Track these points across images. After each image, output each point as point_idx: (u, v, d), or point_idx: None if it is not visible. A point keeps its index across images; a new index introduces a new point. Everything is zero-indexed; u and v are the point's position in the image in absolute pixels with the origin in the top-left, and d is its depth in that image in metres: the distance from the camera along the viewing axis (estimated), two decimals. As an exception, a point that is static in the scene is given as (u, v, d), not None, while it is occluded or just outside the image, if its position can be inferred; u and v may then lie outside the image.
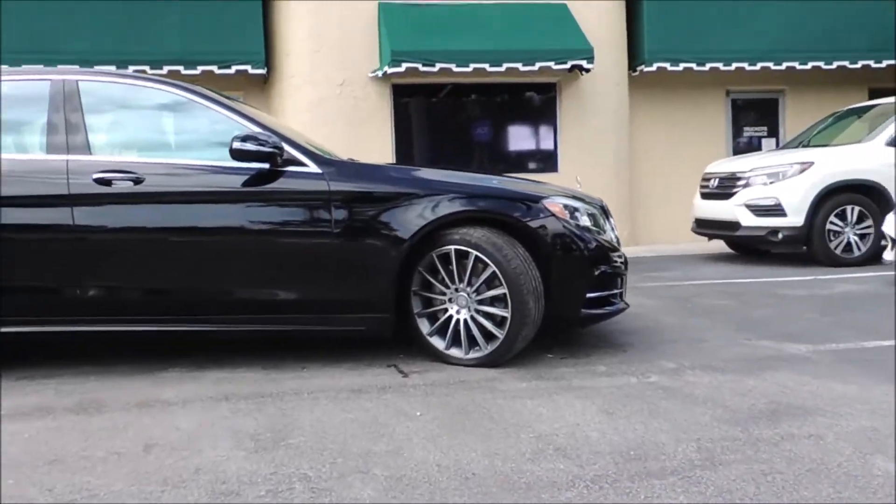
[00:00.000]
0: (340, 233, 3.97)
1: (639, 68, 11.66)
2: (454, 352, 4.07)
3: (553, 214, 4.04)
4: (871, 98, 11.64)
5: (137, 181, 3.98)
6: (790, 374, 3.73)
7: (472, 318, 4.02)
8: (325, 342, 4.51)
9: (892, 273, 7.21)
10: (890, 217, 6.87)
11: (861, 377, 3.65)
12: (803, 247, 8.32)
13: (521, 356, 4.07)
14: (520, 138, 11.83)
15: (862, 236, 8.13)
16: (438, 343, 4.10)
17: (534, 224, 4.01)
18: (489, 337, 4.00)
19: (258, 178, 4.03)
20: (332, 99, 10.77)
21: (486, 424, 3.10)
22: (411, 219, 3.97)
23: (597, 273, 4.11)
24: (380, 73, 10.62)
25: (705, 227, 9.11)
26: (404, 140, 11.19)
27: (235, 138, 3.93)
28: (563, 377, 3.79)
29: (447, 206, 4.00)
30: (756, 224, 8.27)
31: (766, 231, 8.22)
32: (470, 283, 4.00)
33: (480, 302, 4.00)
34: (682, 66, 11.48)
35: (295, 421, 3.18)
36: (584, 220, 4.16)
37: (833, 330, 4.80)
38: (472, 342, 4.03)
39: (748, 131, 12.69)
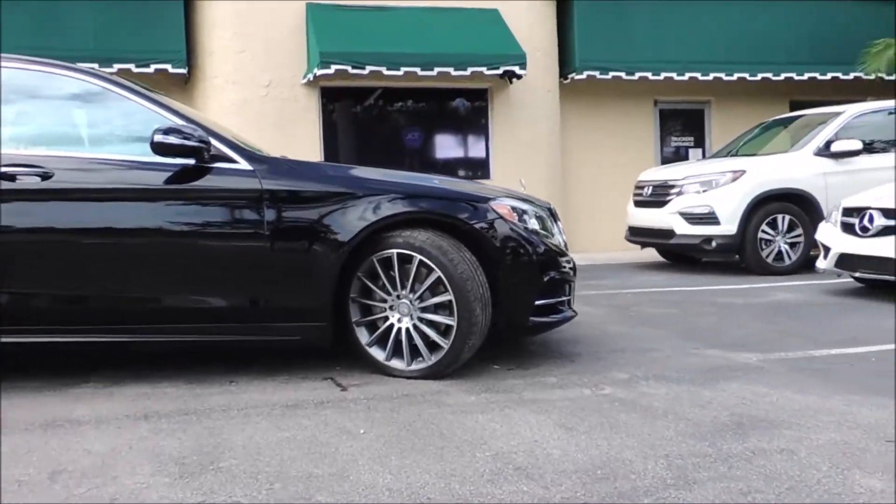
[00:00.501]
0: (274, 235, 3.67)
1: (569, 76, 11.62)
2: (395, 363, 3.80)
3: (501, 217, 3.82)
4: (792, 110, 11.90)
5: (45, 176, 3.59)
6: (746, 385, 3.59)
7: (415, 326, 3.75)
8: (255, 354, 4.18)
9: (825, 281, 7.26)
10: (823, 226, 6.92)
11: (817, 387, 3.54)
12: (736, 255, 8.34)
13: (467, 367, 3.83)
14: (451, 145, 11.65)
15: (792, 245, 8.20)
16: (378, 354, 3.82)
17: (481, 227, 3.78)
18: (433, 347, 3.74)
19: (182, 174, 3.69)
20: (257, 101, 10.37)
21: (438, 442, 2.84)
22: (351, 220, 3.69)
23: (546, 279, 3.91)
24: (309, 77, 10.28)
25: (639, 234, 9.08)
26: (332, 145, 10.86)
27: (157, 131, 3.58)
28: (513, 389, 3.57)
29: (389, 207, 3.73)
30: (690, 232, 8.26)
31: (700, 239, 8.21)
32: (413, 290, 3.75)
33: (424, 309, 3.74)
34: (611, 74, 11.49)
35: (225, 441, 2.86)
36: (533, 224, 3.96)
37: (779, 339, 4.72)
38: (415, 353, 3.77)
39: (675, 141, 12.80)
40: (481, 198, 3.88)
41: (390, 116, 11.35)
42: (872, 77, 11.75)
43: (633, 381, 3.69)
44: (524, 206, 3.97)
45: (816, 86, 12.36)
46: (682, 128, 12.85)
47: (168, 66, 10.07)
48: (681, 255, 9.40)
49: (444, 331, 3.73)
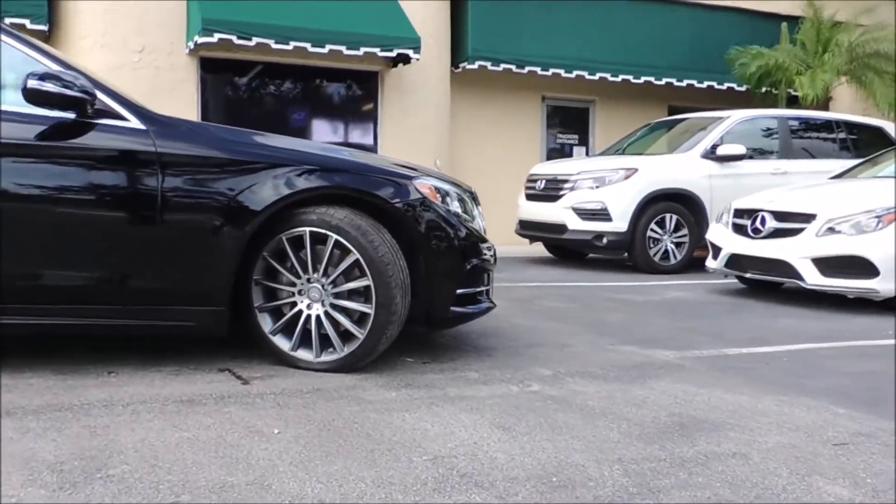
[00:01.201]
0: (170, 206, 3.21)
1: (461, 65, 11.43)
2: (303, 354, 3.42)
3: (424, 197, 3.51)
4: (670, 114, 12.21)
5: None
6: (674, 384, 3.45)
7: (327, 314, 3.39)
8: (134, 341, 3.69)
9: (710, 281, 7.38)
10: (714, 226, 7.01)
11: (743, 387, 3.44)
12: (625, 253, 8.37)
13: (379, 360, 3.50)
14: (338, 129, 11.19)
15: (678, 245, 8.31)
16: (283, 343, 3.44)
17: (403, 207, 3.46)
18: (346, 337, 3.40)
19: (60, 129, 3.18)
20: (128, 67, 9.57)
21: (366, 444, 2.51)
22: (258, 193, 3.29)
23: (468, 267, 3.63)
24: (189, 45, 9.57)
25: (530, 229, 8.99)
26: (212, 120, 10.18)
27: (31, 76, 3.05)
28: (435, 385, 3.27)
29: (303, 181, 3.35)
30: (582, 228, 8.22)
31: (591, 235, 8.19)
32: (326, 273, 3.38)
33: (337, 295, 3.39)
34: (502, 66, 11.39)
35: (112, 443, 2.42)
36: (455, 206, 3.67)
37: (687, 336, 4.65)
38: (325, 343, 3.41)
39: (561, 138, 12.88)
40: (403, 175, 3.56)
41: (275, 95, 10.79)
42: (744, 88, 12.22)
43: (558, 378, 3.47)
44: (447, 187, 3.68)
45: (694, 93, 12.73)
46: (568, 125, 12.94)
47: (26, 22, 9.11)
48: (567, 251, 9.38)
49: (358, 319, 3.39)
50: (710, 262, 6.84)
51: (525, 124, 12.35)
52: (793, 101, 12.26)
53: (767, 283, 6.62)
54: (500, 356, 3.88)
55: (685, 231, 8.29)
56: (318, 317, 3.40)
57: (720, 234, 6.78)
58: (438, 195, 3.59)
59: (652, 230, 8.18)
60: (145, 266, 3.23)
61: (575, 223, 8.24)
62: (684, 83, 12.43)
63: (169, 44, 9.73)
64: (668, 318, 5.29)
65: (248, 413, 2.78)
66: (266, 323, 3.44)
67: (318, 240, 3.36)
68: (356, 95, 11.05)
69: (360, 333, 3.35)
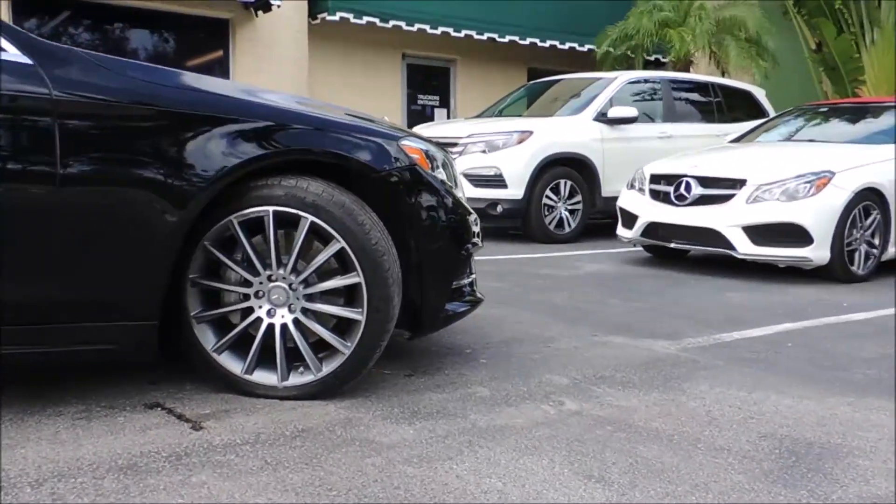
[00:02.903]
0: (72, 179, 2.19)
1: (320, 16, 10.38)
2: (261, 377, 2.54)
3: (413, 163, 2.69)
4: (529, 77, 11.85)
5: None
6: (715, 387, 2.89)
7: (297, 322, 2.51)
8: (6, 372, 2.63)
9: (615, 250, 6.99)
10: (626, 193, 6.57)
11: (790, 386, 2.93)
12: (520, 221, 7.81)
13: (358, 377, 2.67)
14: (179, 83, 9.82)
15: (572, 212, 7.87)
16: (232, 364, 2.53)
17: (390, 176, 2.62)
18: (321, 351, 2.54)
19: None
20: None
21: (440, 529, 1.71)
22: (208, 157, 2.34)
23: (463, 252, 2.86)
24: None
25: (414, 197, 8.22)
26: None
27: None
28: (449, 411, 2.50)
29: (266, 141, 2.44)
30: (476, 195, 7.54)
31: (485, 203, 7.53)
32: (295, 269, 2.49)
33: (310, 297, 2.52)
34: (365, 19, 10.46)
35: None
36: (441, 174, 2.87)
37: (659, 319, 4.13)
38: (292, 361, 2.54)
39: (422, 99, 12.16)
40: (387, 135, 2.71)
41: (113, 41, 9.25)
42: (609, 51, 12.04)
43: (581, 388, 2.80)
44: (433, 151, 2.87)
45: (556, 55, 12.42)
46: (429, 86, 12.23)
47: None
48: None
49: (340, 328, 2.55)
50: (624, 232, 6.41)
51: (385, 84, 11.52)
52: (649, 66, 12.23)
53: (674, 251, 6.28)
54: (488, 360, 3.16)
55: (579, 198, 7.86)
56: (283, 326, 2.51)
57: (634, 201, 6.35)
58: (428, 161, 2.77)
59: (547, 197, 7.67)
60: (45, 267, 2.19)
61: (467, 190, 7.56)
62: (547, 44, 12.06)
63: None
64: (615, 297, 4.75)
65: (231, 483, 1.89)
66: (207, 337, 2.52)
67: (286, 222, 2.47)
68: (203, 46, 9.74)
69: (346, 347, 2.51)
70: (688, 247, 5.98)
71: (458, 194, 2.96)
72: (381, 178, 2.58)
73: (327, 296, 2.55)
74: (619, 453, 2.19)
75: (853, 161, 5.69)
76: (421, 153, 2.73)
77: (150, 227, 2.27)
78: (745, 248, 5.52)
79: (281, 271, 2.49)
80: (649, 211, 6.13)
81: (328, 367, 2.52)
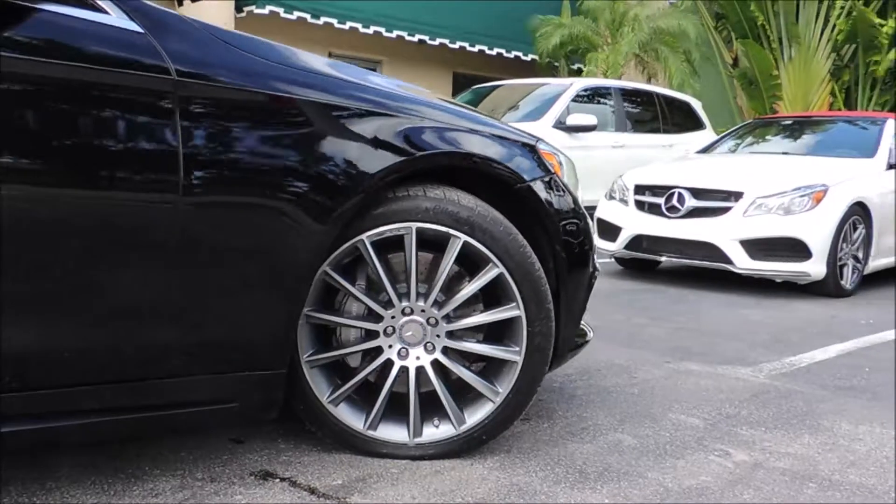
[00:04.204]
0: (198, 185, 1.65)
1: (246, 9, 9.69)
2: (387, 433, 2.06)
3: (553, 173, 2.27)
4: (455, 82, 11.61)
5: None
6: (854, 423, 2.61)
7: (435, 364, 2.05)
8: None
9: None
10: (607, 204, 6.32)
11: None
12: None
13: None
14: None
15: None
16: (351, 418, 2.04)
17: (538, 188, 2.19)
18: (460, 399, 2.09)
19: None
20: None
21: None
22: (359, 158, 1.85)
23: (594, 271, 2.47)
24: None
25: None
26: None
27: None
28: (625, 470, 2.10)
29: (420, 140, 1.96)
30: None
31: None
32: (437, 302, 2.03)
33: (452, 335, 2.06)
34: (296, 14, 9.84)
35: None
36: (567, 179, 2.45)
37: (707, 342, 3.86)
38: (427, 412, 2.07)
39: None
40: (527, 137, 2.28)
41: None
42: (530, 58, 11.90)
43: (725, 431, 2.47)
44: (562, 155, 2.45)
45: (483, 60, 12.18)
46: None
47: None
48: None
49: (489, 370, 2.11)
50: (606, 244, 6.16)
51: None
52: (577, 74, 12.18)
53: (644, 263, 6.11)
54: (587, 395, 2.77)
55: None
56: (418, 370, 2.04)
57: (617, 212, 6.11)
58: (560, 168, 2.36)
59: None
60: (156, 305, 1.64)
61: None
62: (476, 48, 11.79)
63: None
64: (638, 316, 4.47)
65: None
66: (320, 386, 2.00)
67: (432, 243, 2.00)
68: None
69: (496, 395, 2.06)
70: (681, 260, 5.78)
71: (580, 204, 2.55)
72: (527, 188, 2.15)
73: (465, 332, 2.10)
74: (862, 519, 1.86)
75: (842, 175, 5.66)
76: (555, 160, 2.32)
77: (287, 247, 1.76)
78: (743, 262, 5.37)
79: (421, 303, 2.01)
80: (635, 222, 5.91)
81: (472, 419, 2.07)
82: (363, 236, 1.94)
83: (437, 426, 2.07)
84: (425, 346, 2.05)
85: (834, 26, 11.36)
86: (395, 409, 2.06)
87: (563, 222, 2.25)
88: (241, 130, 1.70)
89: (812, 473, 2.13)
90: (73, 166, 1.53)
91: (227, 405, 1.76)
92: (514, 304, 2.03)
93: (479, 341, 2.13)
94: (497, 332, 2.11)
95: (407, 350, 2.04)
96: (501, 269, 2.00)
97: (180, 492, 1.79)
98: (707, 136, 9.42)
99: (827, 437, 2.45)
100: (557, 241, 2.22)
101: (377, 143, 1.88)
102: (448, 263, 1.99)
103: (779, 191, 5.44)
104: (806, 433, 2.48)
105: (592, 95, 8.54)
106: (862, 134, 6.45)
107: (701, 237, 5.50)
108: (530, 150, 2.23)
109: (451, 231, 1.97)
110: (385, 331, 2.02)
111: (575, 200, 2.33)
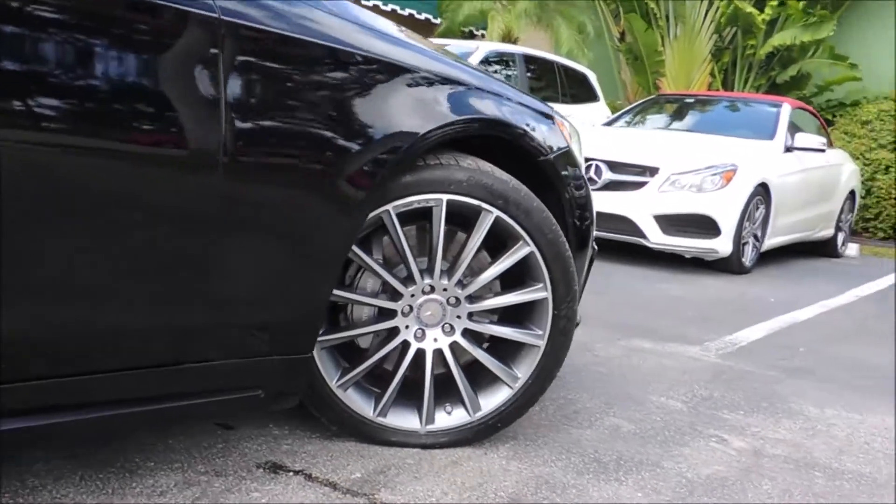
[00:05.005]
0: (240, 147, 1.41)
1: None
2: (397, 420, 1.91)
3: (569, 146, 2.15)
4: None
5: None
6: (820, 406, 2.68)
7: (454, 347, 1.90)
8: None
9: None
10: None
11: (861, 402, 2.81)
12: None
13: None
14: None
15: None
16: (361, 404, 1.87)
17: (557, 162, 2.06)
18: (478, 385, 1.96)
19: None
20: None
21: None
22: (401, 117, 1.66)
23: (594, 251, 2.38)
24: None
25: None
26: None
27: None
28: (638, 459, 2.04)
29: (459, 103, 1.78)
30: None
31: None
32: (461, 280, 1.88)
33: (473, 317, 1.92)
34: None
35: None
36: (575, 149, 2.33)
37: (643, 317, 3.90)
38: (441, 398, 1.93)
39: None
40: (546, 111, 2.14)
41: None
42: (428, 18, 11.70)
43: (709, 415, 2.47)
44: (569, 125, 2.33)
45: (394, 20, 11.83)
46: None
47: None
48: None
49: (509, 353, 1.98)
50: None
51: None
52: (465, 38, 12.07)
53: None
54: (562, 376, 2.69)
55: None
56: (435, 353, 1.89)
57: (531, 181, 6.08)
58: (570, 138, 2.24)
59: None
60: (191, 279, 1.40)
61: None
62: (389, 7, 11.44)
63: None
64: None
65: None
66: (329, 369, 1.82)
67: (463, 216, 1.84)
68: None
69: (514, 381, 1.94)
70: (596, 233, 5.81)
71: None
72: (550, 162, 2.02)
73: (484, 313, 1.97)
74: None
75: (748, 155, 5.85)
76: (565, 130, 2.19)
77: (328, 212, 1.56)
78: (656, 237, 5.48)
79: (444, 281, 1.85)
80: (550, 193, 5.89)
81: (488, 405, 1.94)
82: (389, 207, 1.75)
83: (449, 413, 1.94)
84: (443, 327, 1.89)
85: (717, 8, 11.75)
86: (405, 395, 1.90)
87: (577, 196, 2.13)
88: (283, 82, 1.47)
89: (812, 461, 2.15)
90: (91, 116, 1.26)
91: (252, 392, 1.55)
92: (541, 284, 1.90)
93: (492, 322, 1.99)
94: (513, 314, 1.98)
95: (423, 331, 1.88)
96: (532, 247, 1.87)
97: (187, 489, 1.57)
98: (601, 108, 9.59)
99: (803, 421, 2.50)
100: (572, 215, 2.10)
101: (422, 102, 1.69)
102: (478, 240, 1.84)
103: (692, 168, 5.56)
104: (783, 417, 2.51)
105: (498, 60, 8.44)
106: (761, 116, 6.68)
107: (617, 210, 5.55)
108: (552, 120, 2.09)
109: (484, 205, 1.81)
110: (402, 310, 1.85)
111: (583, 176, 2.21)
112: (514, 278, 1.94)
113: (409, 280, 1.84)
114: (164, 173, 1.33)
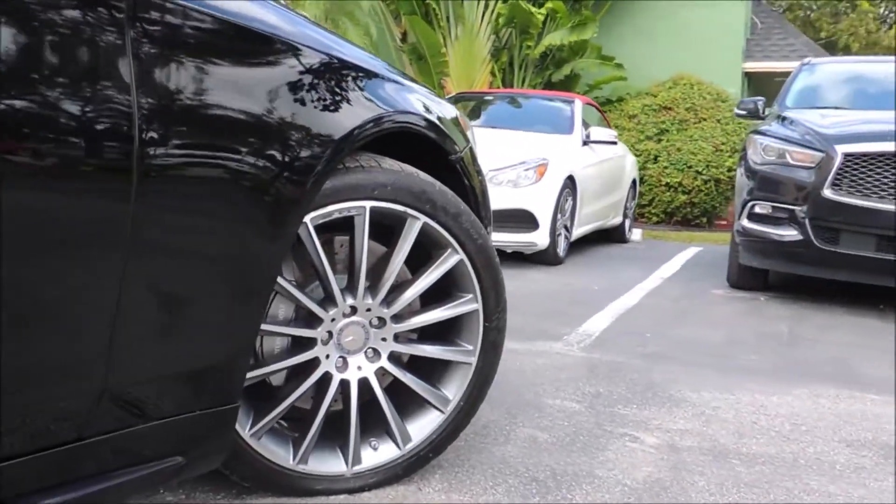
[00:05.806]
0: (153, 140, 1.10)
1: None
2: (319, 466, 1.66)
3: (471, 142, 1.99)
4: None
5: None
6: (697, 390, 2.73)
7: (383, 372, 1.69)
8: None
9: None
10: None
11: (752, 380, 2.92)
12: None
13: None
14: None
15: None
16: (278, 451, 1.60)
17: (468, 160, 1.89)
18: (407, 411, 1.75)
19: None
20: None
21: None
22: (327, 115, 1.41)
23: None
24: None
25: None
26: None
27: None
28: (571, 473, 1.92)
29: (384, 96, 1.56)
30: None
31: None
32: (387, 299, 1.66)
33: (397, 338, 1.70)
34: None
35: None
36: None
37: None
38: (366, 432, 1.70)
39: None
40: (451, 105, 1.96)
41: None
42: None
43: (608, 413, 2.42)
44: (465, 118, 2.16)
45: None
46: None
47: None
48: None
49: (436, 374, 1.79)
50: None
51: None
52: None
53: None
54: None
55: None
56: (362, 382, 1.66)
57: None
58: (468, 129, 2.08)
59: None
60: (84, 319, 1.07)
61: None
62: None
63: None
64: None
65: None
66: (241, 416, 1.53)
67: (385, 224, 1.62)
68: None
69: (444, 404, 1.75)
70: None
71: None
72: (460, 159, 1.84)
73: (417, 334, 1.77)
74: (795, 488, 1.89)
75: (554, 149, 6.00)
76: (467, 126, 2.03)
77: (258, 232, 1.28)
78: (477, 234, 5.46)
79: (368, 300, 1.62)
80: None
81: (419, 434, 1.73)
82: (306, 218, 1.49)
83: (375, 448, 1.71)
84: (366, 353, 1.66)
85: (494, 10, 12.12)
86: (325, 434, 1.65)
87: (482, 196, 1.98)
88: (197, 66, 1.17)
89: (723, 449, 2.15)
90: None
91: (168, 461, 1.23)
92: (471, 295, 1.72)
93: (415, 342, 1.79)
94: (436, 330, 1.78)
95: (345, 360, 1.64)
96: (462, 255, 1.69)
97: None
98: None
99: (691, 408, 2.52)
100: (485, 210, 1.95)
101: (347, 97, 1.45)
102: (405, 251, 1.62)
103: (507, 164, 5.61)
104: (672, 406, 2.52)
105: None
106: (557, 112, 6.91)
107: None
108: (456, 115, 1.92)
109: (410, 211, 1.60)
110: (321, 338, 1.60)
111: (483, 175, 2.06)
112: (437, 291, 1.75)
113: (327, 301, 1.59)
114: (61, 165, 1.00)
